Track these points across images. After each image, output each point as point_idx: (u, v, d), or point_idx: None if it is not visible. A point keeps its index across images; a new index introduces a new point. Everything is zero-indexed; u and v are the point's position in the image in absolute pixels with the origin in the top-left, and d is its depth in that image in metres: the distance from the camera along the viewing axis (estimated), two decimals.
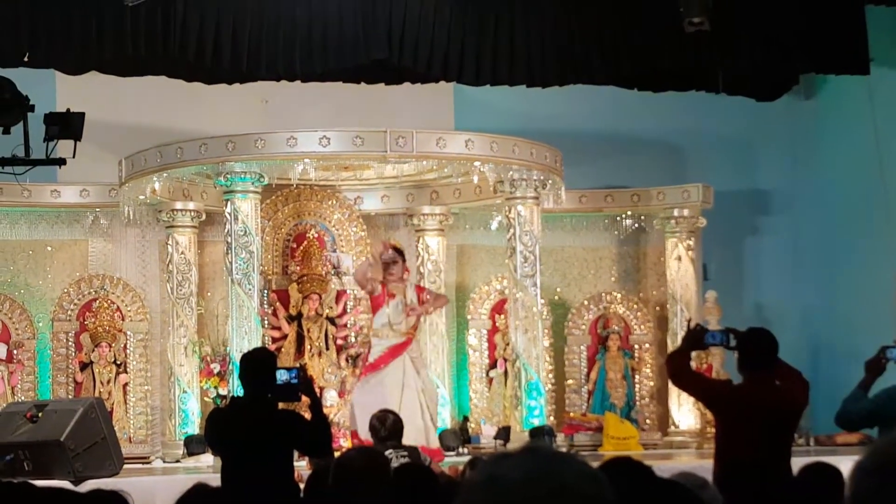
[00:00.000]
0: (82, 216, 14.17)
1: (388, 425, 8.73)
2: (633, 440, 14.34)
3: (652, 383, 15.04)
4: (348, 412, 12.38)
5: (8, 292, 13.93)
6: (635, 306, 15.20)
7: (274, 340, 13.85)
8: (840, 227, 16.05)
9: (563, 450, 12.33)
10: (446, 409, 14.32)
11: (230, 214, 12.74)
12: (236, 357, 11.73)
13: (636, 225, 15.28)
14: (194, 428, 13.27)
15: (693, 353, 7.12)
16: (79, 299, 13.94)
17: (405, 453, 8.43)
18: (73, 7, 13.00)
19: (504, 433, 13.62)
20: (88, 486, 8.00)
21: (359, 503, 5.00)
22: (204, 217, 13.96)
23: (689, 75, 15.65)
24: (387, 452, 7.72)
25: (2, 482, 4.57)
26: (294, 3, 13.72)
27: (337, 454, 6.01)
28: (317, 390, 10.90)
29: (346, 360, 13.88)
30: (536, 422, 13.27)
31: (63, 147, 10.66)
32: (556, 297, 15.26)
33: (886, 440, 2.18)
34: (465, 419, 14.60)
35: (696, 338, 6.62)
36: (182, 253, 13.77)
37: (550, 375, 14.57)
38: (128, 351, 13.96)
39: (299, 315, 14.05)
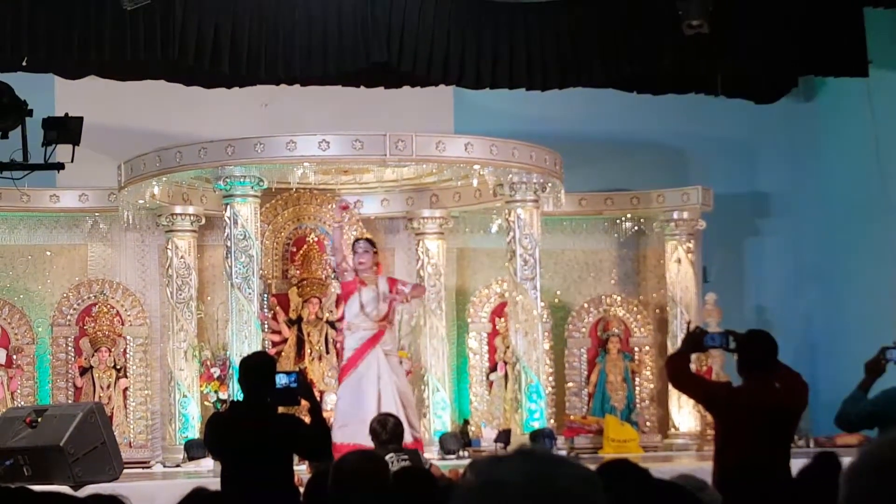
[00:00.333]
0: (81, 221, 14.16)
1: (388, 428, 8.72)
2: (633, 443, 14.33)
3: (652, 386, 15.03)
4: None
5: (7, 297, 13.92)
6: (635, 309, 15.20)
7: (274, 344, 13.84)
8: (840, 229, 16.05)
9: (563, 452, 12.28)
10: (447, 413, 14.32)
11: (230, 218, 12.73)
12: (236, 361, 11.72)
13: (636, 228, 15.29)
14: (194, 432, 13.26)
15: (693, 356, 7.11)
16: (78, 304, 13.93)
17: (406, 457, 8.43)
18: (72, 11, 12.98)
19: (504, 436, 13.62)
20: (87, 490, 7.98)
21: None
22: (203, 221, 13.96)
23: (688, 78, 15.65)
24: (388, 456, 7.72)
25: (0, 487, 4.56)
26: (293, 7, 13.72)
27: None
28: (316, 394, 10.93)
29: None
30: (537, 425, 13.26)
31: (61, 151, 10.66)
32: (557, 300, 15.26)
33: (879, 441, 2.17)
34: (466, 422, 14.60)
35: (696, 340, 6.61)
36: (182, 257, 13.77)
37: (551, 378, 14.56)
38: (127, 355, 13.95)
39: (299, 319, 14.05)
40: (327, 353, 13.89)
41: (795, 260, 16.61)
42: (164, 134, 14.13)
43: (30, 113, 9.89)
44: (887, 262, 14.92)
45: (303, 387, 6.80)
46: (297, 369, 12.73)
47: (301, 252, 14.32)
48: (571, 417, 14.82)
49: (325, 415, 8.83)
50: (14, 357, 13.77)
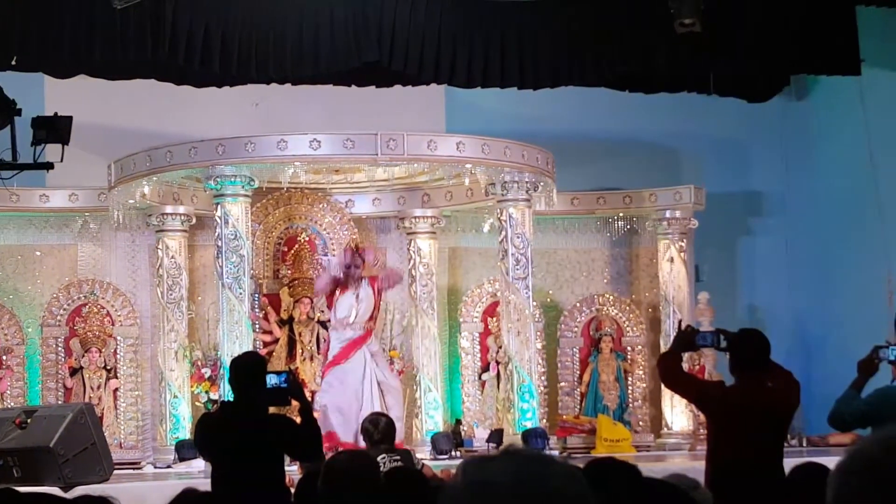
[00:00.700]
0: (71, 220, 14.12)
1: (380, 428, 8.69)
2: (625, 442, 14.33)
3: (644, 385, 15.03)
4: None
5: None
6: (628, 308, 15.19)
7: (265, 345, 13.81)
8: (832, 228, 16.05)
9: (555, 452, 12.25)
10: (439, 413, 14.30)
11: (220, 218, 12.69)
12: (227, 361, 11.68)
13: (628, 227, 15.29)
14: (185, 433, 13.21)
15: (686, 355, 7.09)
16: (68, 304, 13.88)
17: (398, 457, 8.40)
18: (62, 10, 12.94)
19: (497, 436, 13.59)
20: (77, 492, 7.94)
21: None
22: (194, 221, 13.92)
23: (680, 77, 15.65)
24: (380, 457, 7.68)
25: None
26: (284, 6, 13.68)
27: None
28: (307, 394, 10.90)
29: None
30: (529, 424, 13.25)
31: (51, 151, 10.63)
32: (549, 300, 15.24)
33: (867, 441, 2.15)
34: (458, 422, 14.58)
35: (687, 339, 6.59)
36: (172, 257, 13.73)
37: (543, 378, 14.55)
38: (118, 356, 13.91)
39: (290, 319, 14.02)
40: (318, 353, 13.86)
41: (788, 259, 16.61)
42: (154, 133, 14.09)
43: (19, 112, 9.87)
44: (879, 261, 14.91)
45: (293, 387, 6.78)
46: (288, 369, 12.71)
47: (292, 252, 14.30)
48: (564, 417, 14.80)
49: (315, 415, 8.81)
50: (4, 358, 13.73)
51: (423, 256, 14.43)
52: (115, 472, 10.60)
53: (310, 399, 10.07)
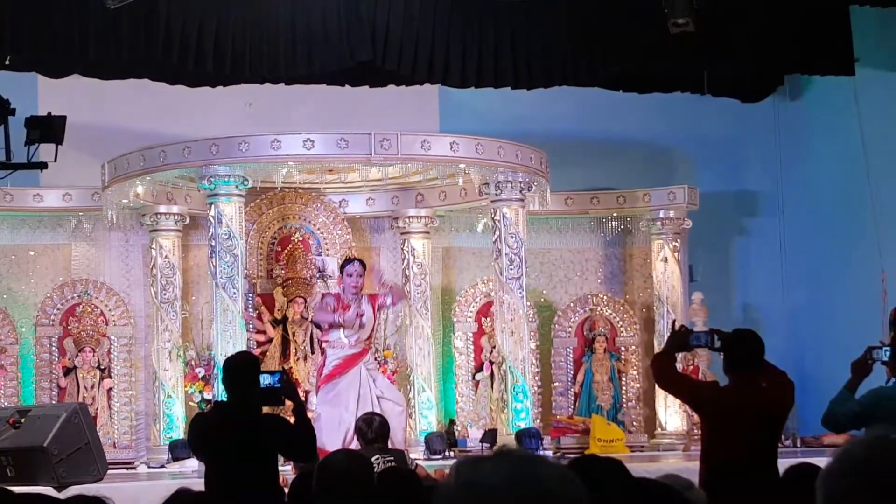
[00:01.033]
0: (65, 220, 14.10)
1: (374, 427, 8.71)
2: (619, 442, 14.32)
3: (638, 385, 15.03)
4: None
5: None
6: (621, 308, 15.19)
7: (259, 344, 13.80)
8: (826, 228, 16.07)
9: (549, 453, 12.23)
10: (432, 413, 14.29)
11: (214, 218, 12.68)
12: (221, 361, 11.66)
13: (622, 227, 15.30)
14: (179, 433, 13.20)
15: (679, 355, 7.09)
16: (62, 304, 13.86)
17: (391, 458, 8.40)
18: (55, 10, 12.93)
19: (490, 436, 13.59)
20: (71, 491, 7.93)
21: None
22: (188, 220, 13.91)
23: (674, 76, 15.66)
24: (374, 458, 7.69)
25: None
26: (278, 5, 13.68)
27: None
28: (301, 394, 10.90)
29: None
30: (523, 424, 13.24)
31: (45, 151, 10.62)
32: (543, 300, 15.25)
33: (855, 442, 2.16)
34: (452, 422, 14.57)
35: (681, 339, 6.59)
36: (166, 257, 13.71)
37: (537, 378, 14.55)
38: (112, 356, 13.89)
39: (284, 319, 14.01)
40: (312, 353, 13.85)
41: (782, 259, 16.62)
42: (148, 133, 14.08)
43: (13, 112, 9.88)
44: (874, 261, 14.92)
45: (287, 386, 6.78)
46: (281, 369, 12.70)
47: (286, 251, 14.29)
48: (558, 417, 14.80)
49: (309, 415, 8.81)
50: None
51: (416, 256, 14.43)
52: (109, 471, 10.61)
53: (304, 399, 10.09)
